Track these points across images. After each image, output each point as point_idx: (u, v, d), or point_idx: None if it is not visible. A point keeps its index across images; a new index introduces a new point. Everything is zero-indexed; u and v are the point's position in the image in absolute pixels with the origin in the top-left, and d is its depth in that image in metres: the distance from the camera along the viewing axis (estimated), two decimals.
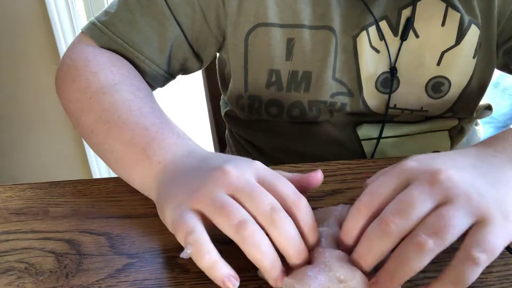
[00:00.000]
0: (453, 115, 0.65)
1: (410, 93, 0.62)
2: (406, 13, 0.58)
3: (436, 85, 0.61)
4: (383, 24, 0.58)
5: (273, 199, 0.35)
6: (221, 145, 1.01)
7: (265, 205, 0.35)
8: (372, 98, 0.62)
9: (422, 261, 0.32)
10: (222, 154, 0.42)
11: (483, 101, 0.70)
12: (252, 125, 0.71)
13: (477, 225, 0.33)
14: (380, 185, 0.36)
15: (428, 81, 0.61)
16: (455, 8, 0.57)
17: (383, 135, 0.66)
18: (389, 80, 0.61)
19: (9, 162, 1.59)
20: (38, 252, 0.42)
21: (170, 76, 0.64)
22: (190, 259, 0.40)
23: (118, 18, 0.58)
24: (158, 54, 0.60)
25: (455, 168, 0.36)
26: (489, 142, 0.42)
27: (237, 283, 0.34)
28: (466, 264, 0.32)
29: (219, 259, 0.34)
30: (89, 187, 0.50)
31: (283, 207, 0.36)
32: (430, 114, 0.65)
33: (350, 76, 0.61)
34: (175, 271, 0.39)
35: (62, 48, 1.37)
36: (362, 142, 0.67)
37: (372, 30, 0.58)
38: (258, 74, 0.61)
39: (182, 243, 0.35)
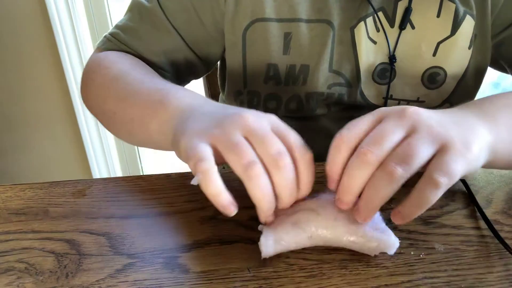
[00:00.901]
0: (450, 107, 0.65)
1: (407, 83, 0.63)
2: (402, 4, 0.59)
3: (432, 76, 0.62)
4: (380, 16, 0.59)
5: (281, 146, 0.38)
6: None
7: (274, 149, 0.37)
8: (369, 89, 0.63)
9: (393, 187, 0.35)
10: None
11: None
12: None
13: (440, 153, 0.36)
14: (356, 123, 0.39)
15: (424, 72, 0.62)
16: None
17: None
18: (386, 71, 0.62)
19: (9, 162, 1.59)
20: (38, 252, 0.42)
21: (178, 81, 0.65)
22: (190, 262, 0.40)
23: (122, 28, 0.64)
24: (159, 59, 0.63)
25: (424, 109, 0.40)
26: (466, 104, 0.46)
27: (236, 210, 0.37)
28: (428, 187, 0.35)
29: (223, 189, 0.37)
30: (89, 187, 0.51)
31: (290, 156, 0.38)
32: (427, 105, 0.65)
33: (348, 67, 0.62)
34: (175, 271, 0.39)
35: (62, 48, 1.37)
36: None
37: (369, 21, 0.59)
38: (256, 69, 0.62)
39: (193, 171, 0.37)
